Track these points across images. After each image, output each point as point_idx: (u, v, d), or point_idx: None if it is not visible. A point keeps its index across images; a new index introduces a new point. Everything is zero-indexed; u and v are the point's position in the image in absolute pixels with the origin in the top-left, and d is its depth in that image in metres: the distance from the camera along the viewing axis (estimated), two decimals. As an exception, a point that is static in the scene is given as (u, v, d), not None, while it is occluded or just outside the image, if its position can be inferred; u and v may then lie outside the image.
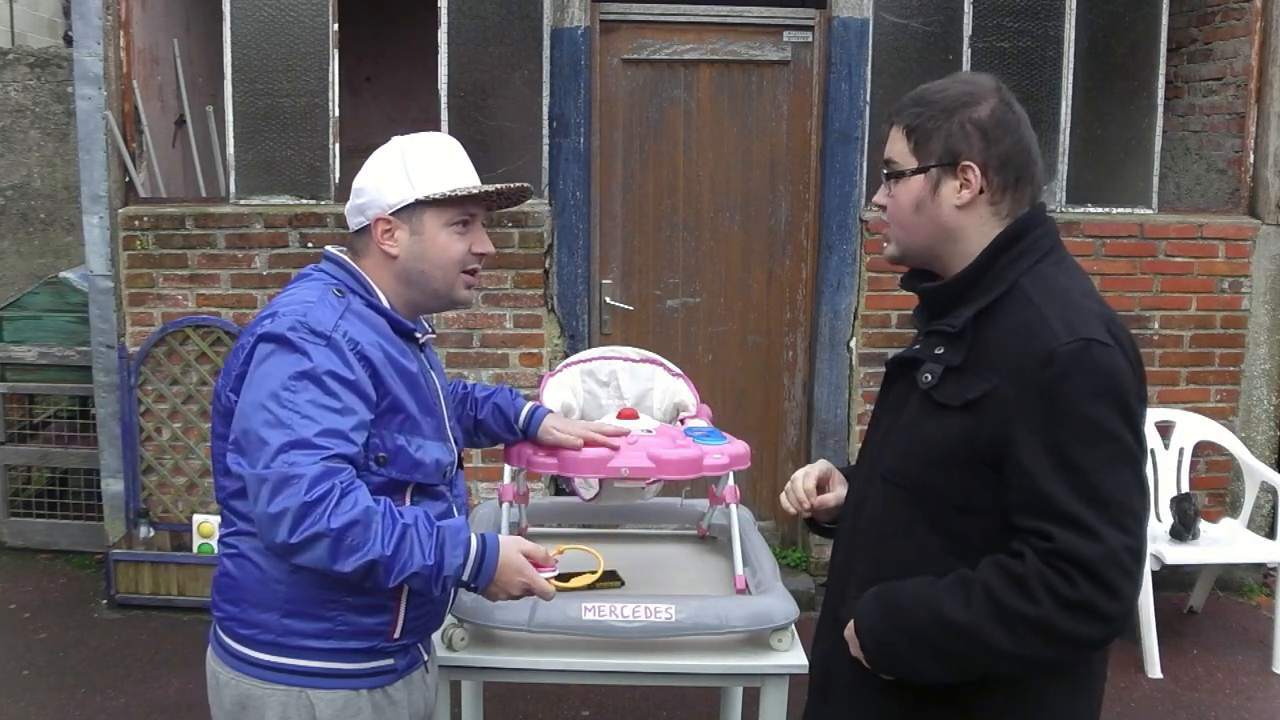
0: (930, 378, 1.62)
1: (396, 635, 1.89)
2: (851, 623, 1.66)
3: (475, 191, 1.89)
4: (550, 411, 2.36)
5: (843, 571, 1.78)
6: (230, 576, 1.85)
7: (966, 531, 1.59)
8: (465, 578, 1.77)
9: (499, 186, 1.95)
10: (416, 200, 1.86)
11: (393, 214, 1.87)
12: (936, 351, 1.63)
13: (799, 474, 1.94)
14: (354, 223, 1.92)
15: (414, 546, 1.71)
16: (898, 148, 1.68)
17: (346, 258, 1.93)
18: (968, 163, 1.62)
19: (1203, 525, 4.31)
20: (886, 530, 1.68)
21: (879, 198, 1.73)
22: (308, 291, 1.84)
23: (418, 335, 1.95)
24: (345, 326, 1.79)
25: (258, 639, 1.83)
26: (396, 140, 1.94)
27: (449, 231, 1.89)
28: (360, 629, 1.84)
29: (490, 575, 1.80)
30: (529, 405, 2.34)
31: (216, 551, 1.93)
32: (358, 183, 1.92)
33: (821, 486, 1.91)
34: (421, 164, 1.88)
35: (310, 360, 1.73)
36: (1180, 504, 4.25)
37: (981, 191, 1.63)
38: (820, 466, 1.94)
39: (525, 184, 2.02)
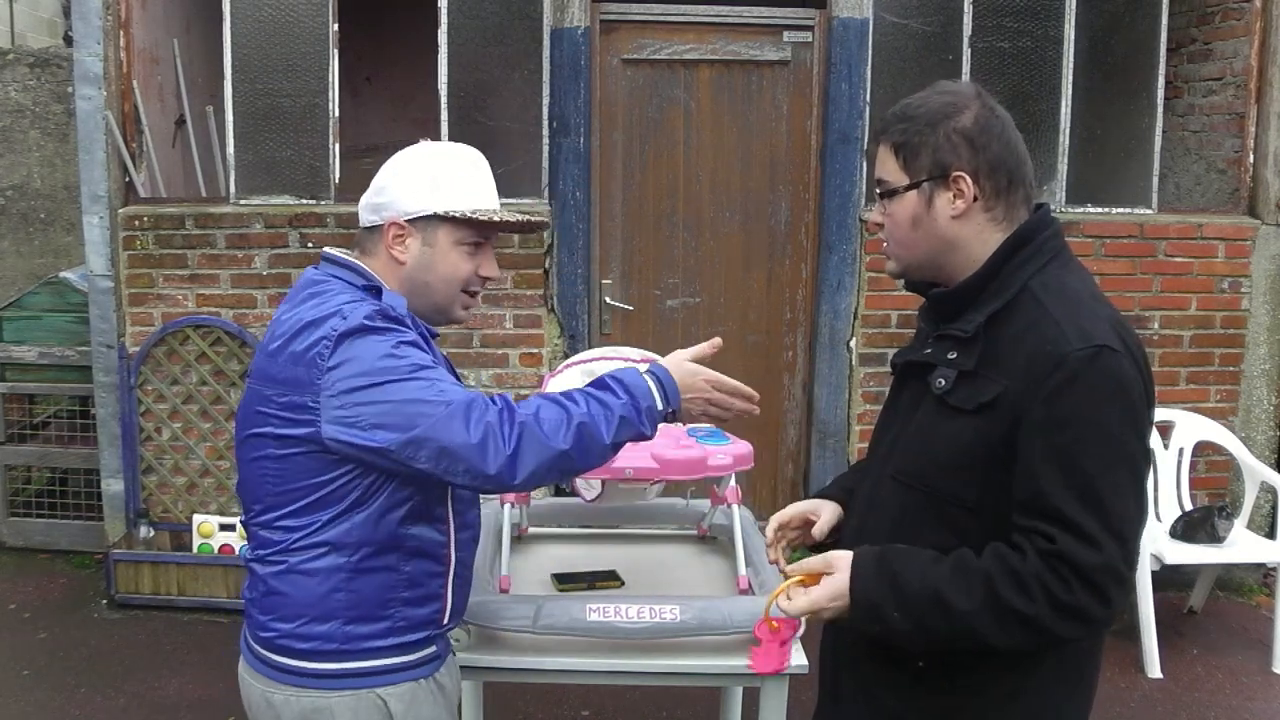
0: (944, 382, 1.63)
1: (446, 620, 1.92)
2: (844, 573, 1.62)
3: (496, 219, 1.88)
4: None
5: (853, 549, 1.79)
6: (280, 594, 1.81)
7: (977, 532, 1.60)
8: (659, 404, 1.79)
9: (520, 218, 1.93)
10: (434, 214, 1.86)
11: (408, 221, 1.86)
12: (949, 356, 1.64)
13: (772, 520, 1.97)
14: (366, 219, 1.91)
15: (601, 398, 1.74)
16: (888, 166, 1.69)
17: (354, 259, 1.90)
18: (958, 173, 1.63)
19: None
20: (897, 531, 1.69)
21: (875, 217, 1.74)
22: (345, 296, 1.80)
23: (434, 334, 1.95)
24: (410, 315, 1.83)
25: (321, 650, 1.81)
26: (427, 146, 1.93)
27: (460, 250, 1.89)
28: (416, 621, 1.86)
29: (675, 387, 1.82)
30: None
31: (255, 573, 1.87)
32: (379, 181, 1.90)
33: (803, 524, 1.95)
34: (448, 177, 1.87)
35: (403, 334, 1.75)
36: (1219, 513, 4.20)
37: (975, 199, 1.64)
38: (790, 512, 1.96)
39: (545, 220, 2.03)
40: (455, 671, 2.04)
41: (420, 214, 1.86)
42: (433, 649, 1.92)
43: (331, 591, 1.79)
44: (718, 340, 1.94)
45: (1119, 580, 1.50)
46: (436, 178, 1.87)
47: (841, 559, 1.64)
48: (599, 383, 1.78)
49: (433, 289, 1.89)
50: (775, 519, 1.95)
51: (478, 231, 1.89)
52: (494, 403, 1.70)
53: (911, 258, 1.71)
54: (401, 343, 1.73)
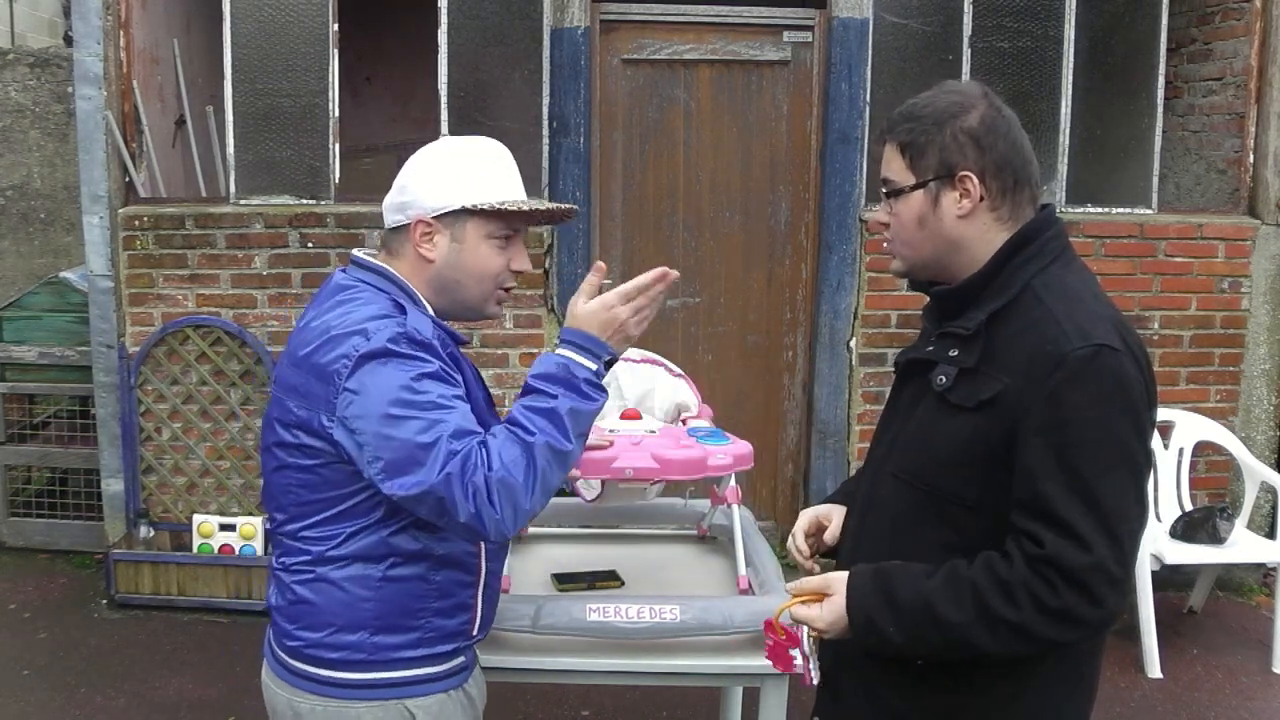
0: (945, 379, 1.63)
1: (475, 632, 1.90)
2: (841, 594, 1.65)
3: (524, 209, 1.83)
4: None
5: (850, 569, 1.79)
6: (308, 603, 1.80)
7: (977, 530, 1.61)
8: (590, 364, 1.73)
9: (548, 207, 1.89)
10: (462, 208, 1.80)
11: (434, 218, 1.81)
12: (950, 354, 1.65)
13: (795, 534, 1.96)
14: (391, 220, 1.86)
15: (541, 408, 1.68)
16: (894, 165, 1.69)
17: (382, 263, 1.85)
18: (965, 172, 1.63)
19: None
20: (896, 528, 1.69)
21: (880, 216, 1.74)
22: (372, 308, 1.75)
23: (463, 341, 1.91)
24: (437, 333, 1.77)
25: (349, 660, 1.79)
26: (448, 141, 1.89)
27: (490, 244, 1.83)
28: (446, 632, 1.84)
29: (595, 338, 1.75)
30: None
31: (281, 581, 1.86)
32: (401, 179, 1.85)
33: (816, 530, 1.94)
34: (472, 171, 1.82)
35: (425, 364, 1.69)
36: (1220, 514, 4.20)
37: (981, 199, 1.64)
38: (805, 520, 1.95)
39: (573, 206, 1.97)
40: (482, 681, 2.01)
41: (446, 209, 1.80)
42: (461, 659, 1.89)
43: (360, 601, 1.77)
44: (600, 264, 1.86)
45: (1110, 581, 1.49)
46: (460, 172, 1.81)
47: (838, 580, 1.66)
48: (528, 389, 1.72)
49: (464, 286, 1.85)
50: (798, 533, 1.92)
51: (507, 224, 1.84)
52: (483, 461, 1.64)
53: (917, 257, 1.71)
54: (423, 375, 1.67)
